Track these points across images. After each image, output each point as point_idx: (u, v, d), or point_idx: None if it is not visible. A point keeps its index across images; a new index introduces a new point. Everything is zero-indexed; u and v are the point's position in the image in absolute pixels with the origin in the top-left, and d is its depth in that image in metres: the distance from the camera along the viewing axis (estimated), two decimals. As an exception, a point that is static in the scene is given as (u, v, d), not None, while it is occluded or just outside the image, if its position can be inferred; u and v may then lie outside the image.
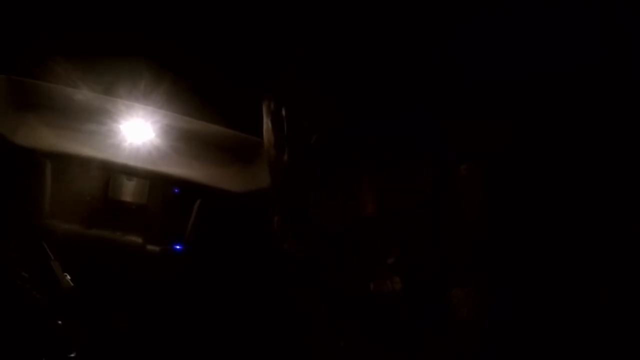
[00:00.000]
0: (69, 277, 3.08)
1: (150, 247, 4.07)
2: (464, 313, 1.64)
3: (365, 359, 1.66)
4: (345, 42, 2.05)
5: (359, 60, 2.06)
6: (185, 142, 3.84)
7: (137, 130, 3.75)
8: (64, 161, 3.89)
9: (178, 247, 4.12)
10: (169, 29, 2.71)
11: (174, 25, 2.69)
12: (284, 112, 2.21)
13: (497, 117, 1.99)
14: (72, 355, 2.67)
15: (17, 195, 3.57)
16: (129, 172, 4.17)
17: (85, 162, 3.95)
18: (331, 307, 1.71)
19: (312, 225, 1.90)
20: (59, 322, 2.76)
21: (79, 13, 2.72)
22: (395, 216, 1.70)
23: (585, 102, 1.77)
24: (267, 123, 2.46)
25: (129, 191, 4.44)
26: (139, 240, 4.07)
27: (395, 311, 1.51)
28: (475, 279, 1.73)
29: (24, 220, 3.45)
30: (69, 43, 2.87)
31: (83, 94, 3.25)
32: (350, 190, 1.85)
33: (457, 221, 1.88)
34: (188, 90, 3.08)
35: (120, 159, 3.94)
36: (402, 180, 1.91)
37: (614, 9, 1.50)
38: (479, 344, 1.63)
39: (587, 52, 1.60)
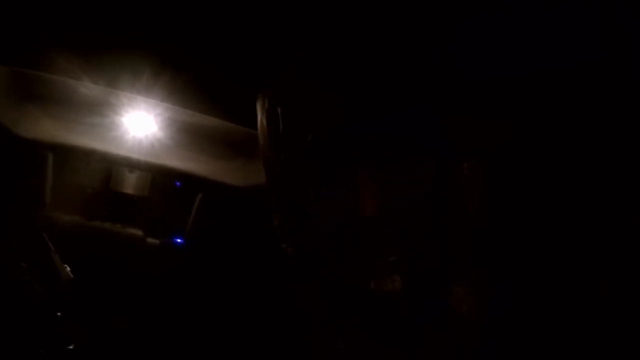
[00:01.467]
0: (68, 268, 3.09)
1: (150, 240, 4.08)
2: (464, 309, 1.63)
3: (365, 356, 1.67)
4: (347, 41, 2.05)
5: (360, 59, 2.05)
6: (187, 135, 3.83)
7: (139, 123, 3.74)
8: (66, 153, 3.90)
9: (178, 240, 4.13)
10: (172, 26, 2.72)
11: (177, 22, 2.69)
12: (279, 110, 2.21)
13: (497, 115, 1.99)
14: (70, 347, 2.68)
15: (19, 186, 3.59)
16: (130, 164, 4.18)
17: (86, 154, 3.96)
18: (331, 302, 1.71)
19: (312, 219, 1.89)
20: (58, 313, 2.77)
21: (83, 7, 2.73)
22: (396, 209, 1.70)
23: (585, 101, 1.77)
24: (261, 120, 2.45)
25: (130, 183, 4.45)
26: (140, 233, 4.08)
27: (396, 307, 1.51)
28: (475, 271, 1.73)
29: (25, 211, 3.46)
30: (71, 36, 2.88)
31: (85, 86, 3.25)
32: (351, 184, 1.85)
33: (458, 214, 1.88)
34: (190, 84, 3.08)
35: (122, 151, 3.95)
36: (403, 175, 1.91)
37: (614, 9, 1.49)
38: (480, 340, 1.63)
39: (587, 52, 1.59)
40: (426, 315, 1.60)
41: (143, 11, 2.67)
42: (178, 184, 4.50)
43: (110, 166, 4.29)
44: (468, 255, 1.77)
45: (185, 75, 3.02)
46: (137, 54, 2.90)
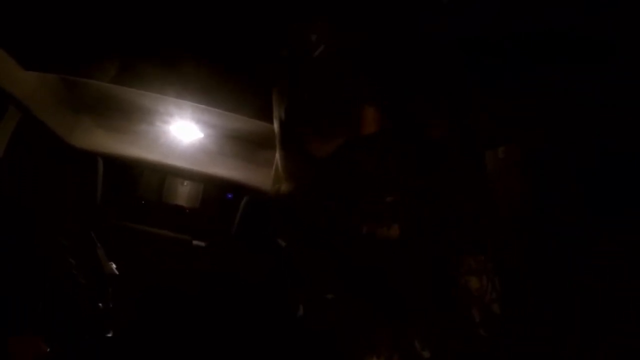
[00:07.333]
0: (114, 265, 3.19)
1: (196, 242, 4.15)
2: (472, 283, 1.55)
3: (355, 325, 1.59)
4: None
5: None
6: (234, 142, 3.88)
7: (188, 131, 3.80)
8: (118, 163, 4.03)
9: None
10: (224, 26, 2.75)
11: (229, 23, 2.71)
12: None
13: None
14: (109, 335, 2.76)
15: (72, 191, 3.72)
16: (180, 174, 4.28)
17: (137, 164, 4.08)
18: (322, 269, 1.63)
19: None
20: (100, 304, 2.85)
21: (132, 14, 2.81)
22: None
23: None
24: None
25: (183, 195, 4.56)
26: (187, 237, 4.17)
27: (390, 260, 1.44)
28: (488, 249, 1.66)
29: (77, 213, 3.58)
30: (119, 41, 2.96)
31: (134, 93, 3.32)
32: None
33: (482, 194, 1.82)
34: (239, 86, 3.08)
35: (172, 160, 4.04)
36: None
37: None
38: (488, 319, 1.56)
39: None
40: (425, 279, 1.53)
41: (189, 16, 2.74)
42: (229, 195, 4.55)
43: (163, 176, 4.41)
44: (485, 234, 1.70)
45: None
46: (185, 58, 2.95)
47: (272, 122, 3.37)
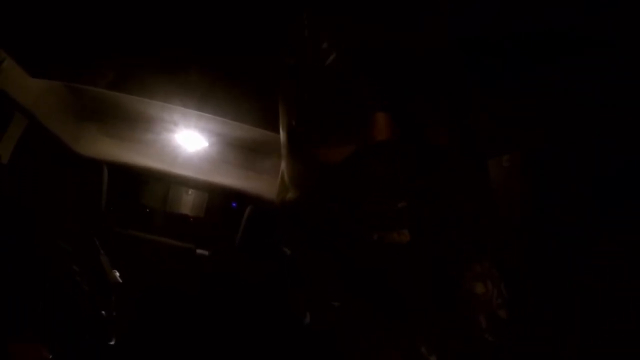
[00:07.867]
0: (117, 273, 3.19)
1: (200, 250, 4.14)
2: (478, 288, 1.54)
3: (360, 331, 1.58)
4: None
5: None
6: (238, 150, 3.90)
7: (193, 140, 3.82)
8: (123, 171, 4.04)
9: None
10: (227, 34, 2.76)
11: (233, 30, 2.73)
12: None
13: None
14: (112, 342, 2.75)
15: (78, 198, 3.74)
16: (185, 183, 4.28)
17: (143, 173, 4.09)
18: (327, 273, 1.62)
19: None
20: (103, 312, 2.85)
21: (136, 22, 2.84)
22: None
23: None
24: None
25: (187, 204, 4.56)
26: (191, 245, 4.16)
27: (398, 265, 1.43)
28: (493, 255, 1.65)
29: (81, 220, 3.59)
30: (123, 48, 2.98)
31: (140, 102, 3.33)
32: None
33: (488, 201, 1.82)
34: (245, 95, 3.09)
35: (177, 169, 4.05)
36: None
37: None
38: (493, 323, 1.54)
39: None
40: (431, 284, 1.52)
41: (193, 24, 2.76)
42: (234, 204, 4.55)
43: (168, 185, 4.40)
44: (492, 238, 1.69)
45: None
46: (189, 67, 2.96)
47: (275, 131, 3.38)
